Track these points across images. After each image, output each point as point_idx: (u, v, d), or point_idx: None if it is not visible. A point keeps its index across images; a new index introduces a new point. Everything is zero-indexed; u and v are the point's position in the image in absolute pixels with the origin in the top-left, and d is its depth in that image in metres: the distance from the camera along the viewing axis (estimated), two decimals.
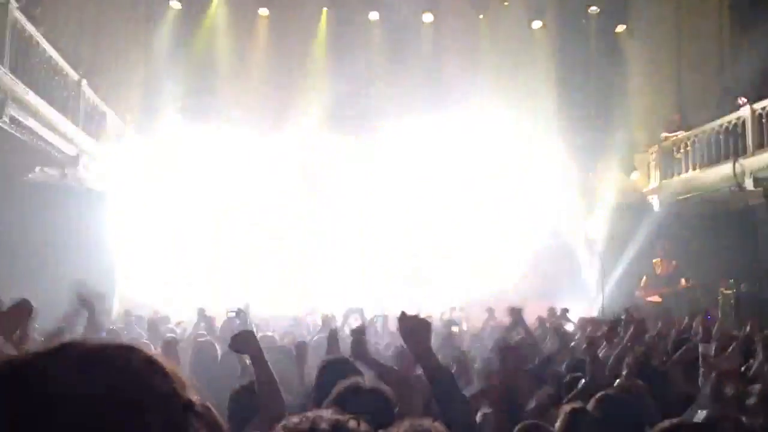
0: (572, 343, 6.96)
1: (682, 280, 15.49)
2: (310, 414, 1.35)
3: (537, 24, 19.52)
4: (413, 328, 2.86)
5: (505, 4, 19.38)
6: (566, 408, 3.56)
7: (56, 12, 16.11)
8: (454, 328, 9.01)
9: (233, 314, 8.11)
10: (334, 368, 3.60)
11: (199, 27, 19.06)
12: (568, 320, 9.93)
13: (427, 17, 19.43)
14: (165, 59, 18.18)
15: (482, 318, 11.74)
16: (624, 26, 19.49)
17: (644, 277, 16.07)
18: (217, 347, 5.74)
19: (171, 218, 16.88)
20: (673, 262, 15.94)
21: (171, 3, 18.70)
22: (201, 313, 8.31)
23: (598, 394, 3.87)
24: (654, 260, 16.31)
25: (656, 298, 15.55)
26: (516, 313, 7.17)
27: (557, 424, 3.50)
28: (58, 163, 13.10)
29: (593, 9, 19.48)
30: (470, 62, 18.82)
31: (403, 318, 2.91)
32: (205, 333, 7.54)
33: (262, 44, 19.08)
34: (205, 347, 5.66)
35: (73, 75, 13.62)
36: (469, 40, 19.18)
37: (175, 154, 17.87)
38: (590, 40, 19.72)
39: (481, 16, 19.55)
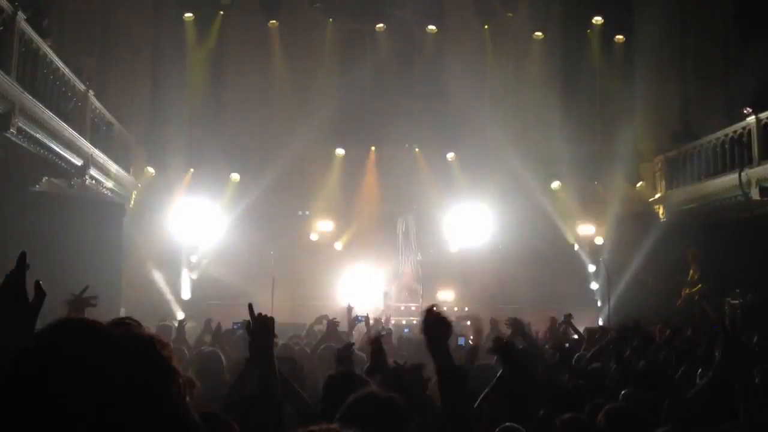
0: (576, 355, 6.96)
1: (699, 286, 15.40)
2: (315, 428, 1.35)
3: (541, 34, 19.53)
4: (435, 324, 2.91)
5: (509, 14, 19.42)
6: (564, 417, 3.55)
7: (63, 24, 16.23)
8: (460, 340, 8.99)
9: (237, 326, 8.11)
10: (340, 381, 3.60)
11: (208, 38, 19.14)
12: (573, 327, 9.86)
13: (432, 28, 19.48)
14: (173, 70, 18.27)
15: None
16: (624, 36, 19.49)
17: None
18: (222, 357, 5.75)
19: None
20: (699, 269, 15.73)
21: (181, 15, 18.79)
22: (207, 323, 8.29)
23: (607, 406, 3.87)
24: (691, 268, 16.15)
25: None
26: (517, 323, 7.13)
27: None
28: (65, 174, 13.16)
29: (597, 19, 19.50)
30: (475, 72, 18.86)
31: (429, 313, 2.97)
32: (209, 343, 7.55)
33: (270, 55, 19.16)
34: (209, 357, 5.67)
35: (80, 86, 13.70)
36: (473, 51, 19.23)
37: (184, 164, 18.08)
38: (594, 50, 19.73)
39: (485, 27, 19.59)
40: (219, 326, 8.32)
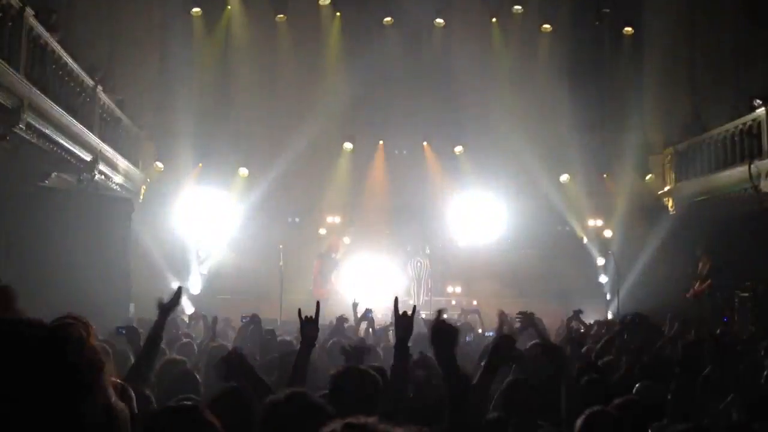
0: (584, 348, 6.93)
1: (708, 281, 15.21)
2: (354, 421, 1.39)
3: (549, 27, 19.44)
4: (443, 333, 2.94)
5: (517, 7, 19.35)
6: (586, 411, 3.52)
7: (72, 19, 16.25)
8: (468, 338, 8.95)
9: (247, 319, 8.14)
10: (348, 376, 3.60)
11: (216, 33, 19.17)
12: (581, 322, 9.83)
13: (440, 21, 19.42)
14: (181, 65, 18.28)
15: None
16: (632, 28, 19.38)
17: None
18: None
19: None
20: (708, 262, 15.45)
21: (188, 9, 18.82)
22: (206, 321, 8.29)
23: (621, 399, 3.86)
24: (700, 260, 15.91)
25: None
26: (527, 317, 7.01)
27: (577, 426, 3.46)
28: (74, 169, 13.19)
29: (605, 11, 19.40)
30: (482, 65, 18.81)
31: (437, 322, 3.02)
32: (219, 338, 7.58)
33: (278, 49, 19.16)
34: (218, 353, 5.69)
35: (89, 81, 13.72)
36: (481, 44, 19.17)
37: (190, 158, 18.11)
38: (603, 42, 19.64)
39: (493, 20, 19.53)
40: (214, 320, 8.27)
